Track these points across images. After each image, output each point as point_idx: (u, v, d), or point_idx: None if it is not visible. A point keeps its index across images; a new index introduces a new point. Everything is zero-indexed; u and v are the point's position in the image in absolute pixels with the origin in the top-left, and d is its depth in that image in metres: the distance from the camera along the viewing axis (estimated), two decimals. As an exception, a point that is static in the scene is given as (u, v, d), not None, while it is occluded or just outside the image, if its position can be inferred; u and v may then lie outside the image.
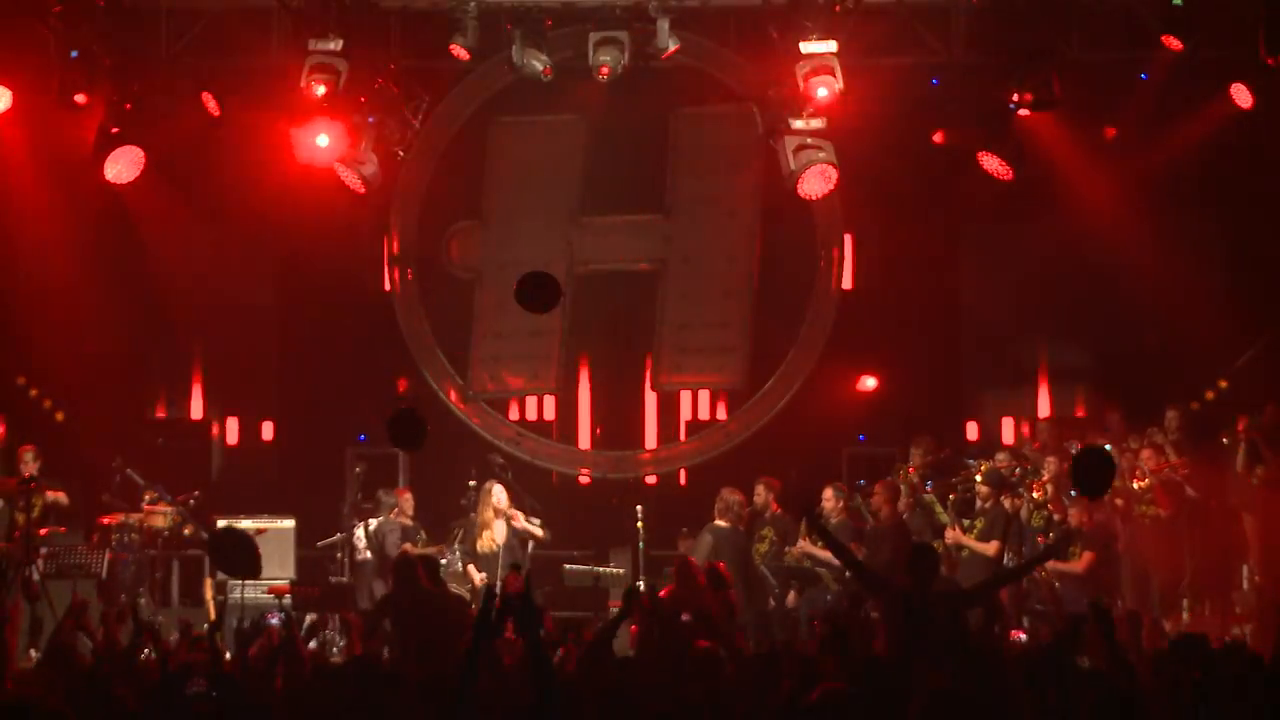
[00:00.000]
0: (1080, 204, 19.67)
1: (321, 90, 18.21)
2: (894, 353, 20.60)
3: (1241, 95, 18.54)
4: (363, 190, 19.20)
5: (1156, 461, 18.24)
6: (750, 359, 21.05)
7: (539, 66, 18.74)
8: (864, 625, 13.63)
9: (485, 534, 18.03)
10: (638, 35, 18.57)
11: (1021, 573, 16.22)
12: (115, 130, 18.60)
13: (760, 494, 18.33)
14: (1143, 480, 18.18)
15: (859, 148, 19.23)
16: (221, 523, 17.48)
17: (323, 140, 18.52)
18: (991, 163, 19.09)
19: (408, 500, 18.90)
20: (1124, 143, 19.48)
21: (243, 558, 14.38)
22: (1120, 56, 19.07)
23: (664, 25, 18.29)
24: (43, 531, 18.25)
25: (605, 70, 18.63)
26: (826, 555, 17.91)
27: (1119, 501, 18.27)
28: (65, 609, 14.14)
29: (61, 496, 18.44)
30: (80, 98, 18.24)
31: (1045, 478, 18.25)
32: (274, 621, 15.17)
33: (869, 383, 20.68)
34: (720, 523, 17.78)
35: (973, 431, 20.73)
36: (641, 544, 18.30)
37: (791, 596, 17.84)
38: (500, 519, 18.01)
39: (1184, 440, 18.57)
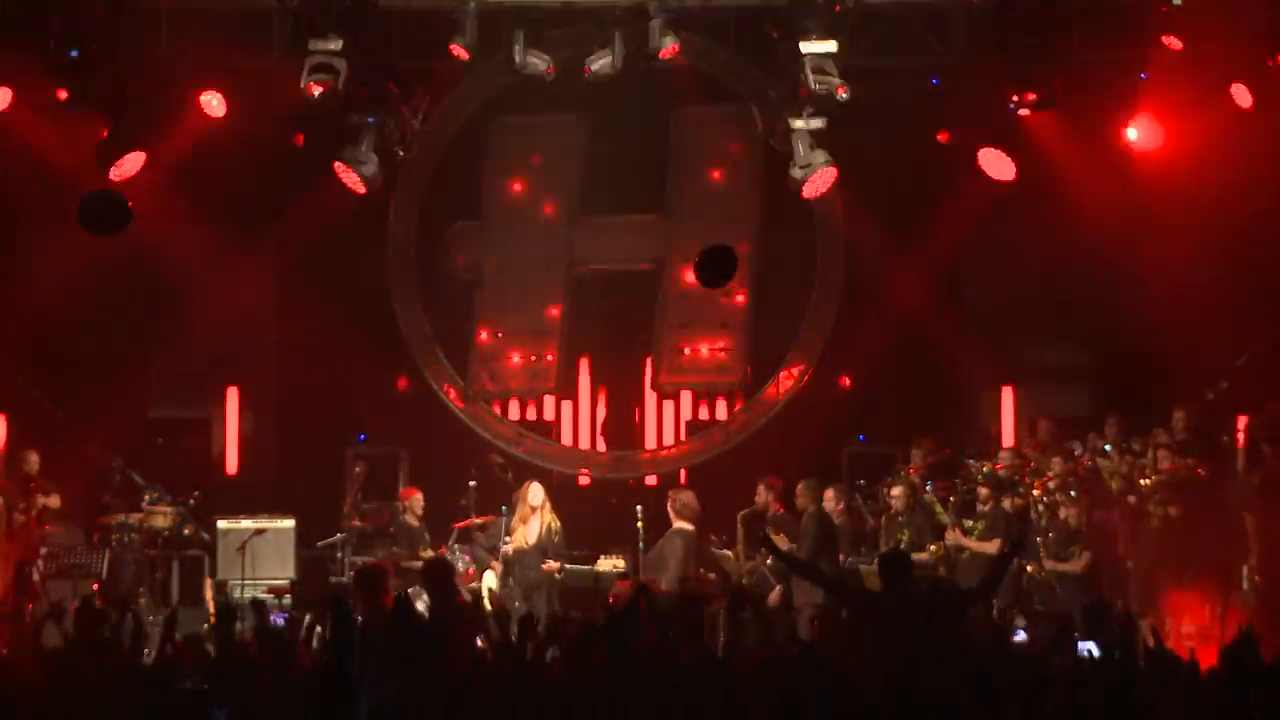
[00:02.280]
0: (1080, 204, 19.65)
1: (321, 90, 18.22)
2: (894, 352, 20.60)
3: (1242, 95, 18.53)
4: (363, 190, 19.19)
5: (1171, 461, 18.20)
6: (750, 359, 21.05)
7: (542, 66, 18.73)
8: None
9: (520, 530, 18.12)
10: (637, 35, 18.57)
11: (1001, 570, 15.96)
12: (114, 130, 18.62)
13: (761, 494, 18.37)
14: (1148, 479, 18.14)
15: (859, 148, 19.23)
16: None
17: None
18: (992, 163, 19.09)
19: (417, 500, 18.90)
20: (1123, 143, 19.46)
21: (112, 214, 13.90)
22: (1120, 56, 19.05)
23: (655, 25, 18.28)
24: (47, 528, 18.28)
25: (588, 70, 18.64)
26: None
27: (1130, 499, 18.25)
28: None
29: (54, 501, 18.41)
30: (75, 97, 18.28)
31: (1049, 475, 18.23)
32: (277, 621, 15.18)
33: (844, 382, 20.79)
34: (685, 525, 17.87)
35: (973, 431, 20.71)
36: (642, 544, 18.29)
37: (774, 595, 17.82)
38: (535, 515, 18.12)
39: (1191, 441, 18.54)
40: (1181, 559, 18.07)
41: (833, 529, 17.75)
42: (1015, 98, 18.74)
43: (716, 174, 21.09)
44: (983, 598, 12.62)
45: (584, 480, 20.96)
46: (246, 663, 10.39)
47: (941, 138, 19.48)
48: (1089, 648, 11.86)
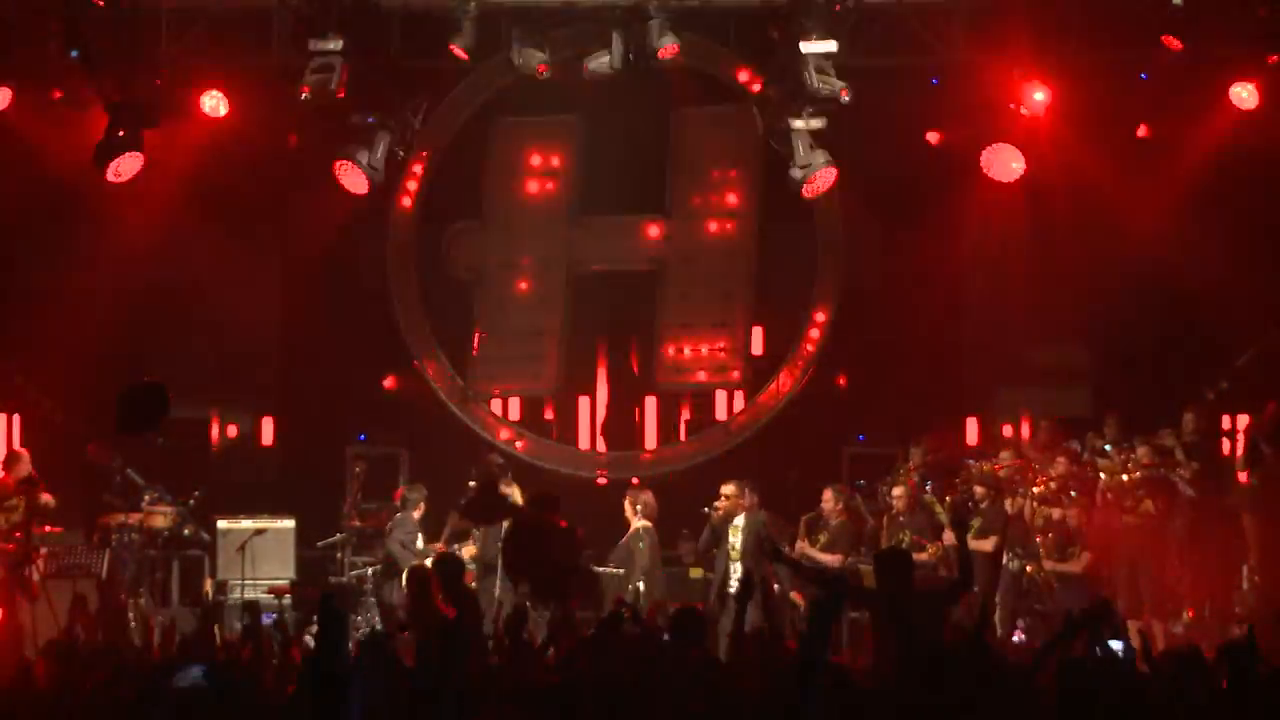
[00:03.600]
0: (1080, 204, 19.66)
1: (306, 94, 18.22)
2: (894, 352, 20.60)
3: (1241, 96, 18.55)
4: (363, 190, 19.18)
5: (1151, 459, 18.16)
6: (750, 359, 21.05)
7: (535, 64, 18.70)
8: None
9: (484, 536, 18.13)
10: (637, 35, 18.58)
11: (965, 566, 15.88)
12: (118, 131, 18.67)
13: (750, 495, 18.53)
14: (1133, 474, 18.09)
15: (859, 148, 19.23)
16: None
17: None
18: (991, 163, 19.10)
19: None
20: (1125, 143, 19.47)
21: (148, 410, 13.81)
22: (1120, 56, 19.06)
23: (655, 25, 18.29)
24: (47, 528, 18.28)
25: (587, 70, 18.65)
26: (826, 557, 17.99)
27: (1109, 497, 18.21)
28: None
29: (50, 499, 18.37)
30: (75, 97, 18.31)
31: (1053, 474, 18.22)
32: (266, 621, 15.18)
33: (841, 382, 20.81)
34: (647, 523, 17.95)
35: (973, 431, 20.71)
36: (642, 544, 18.29)
37: None
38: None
39: (1200, 442, 18.51)
40: (1161, 556, 18.03)
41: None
42: (1014, 98, 18.76)
43: (716, 174, 21.10)
44: (958, 593, 12.52)
45: (602, 481, 20.96)
46: (238, 663, 10.41)
47: (933, 138, 19.47)
48: (1118, 645, 11.84)
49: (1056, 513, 17.96)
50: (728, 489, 18.16)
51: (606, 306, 21.21)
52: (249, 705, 9.04)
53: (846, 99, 18.06)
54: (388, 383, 20.94)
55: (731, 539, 18.10)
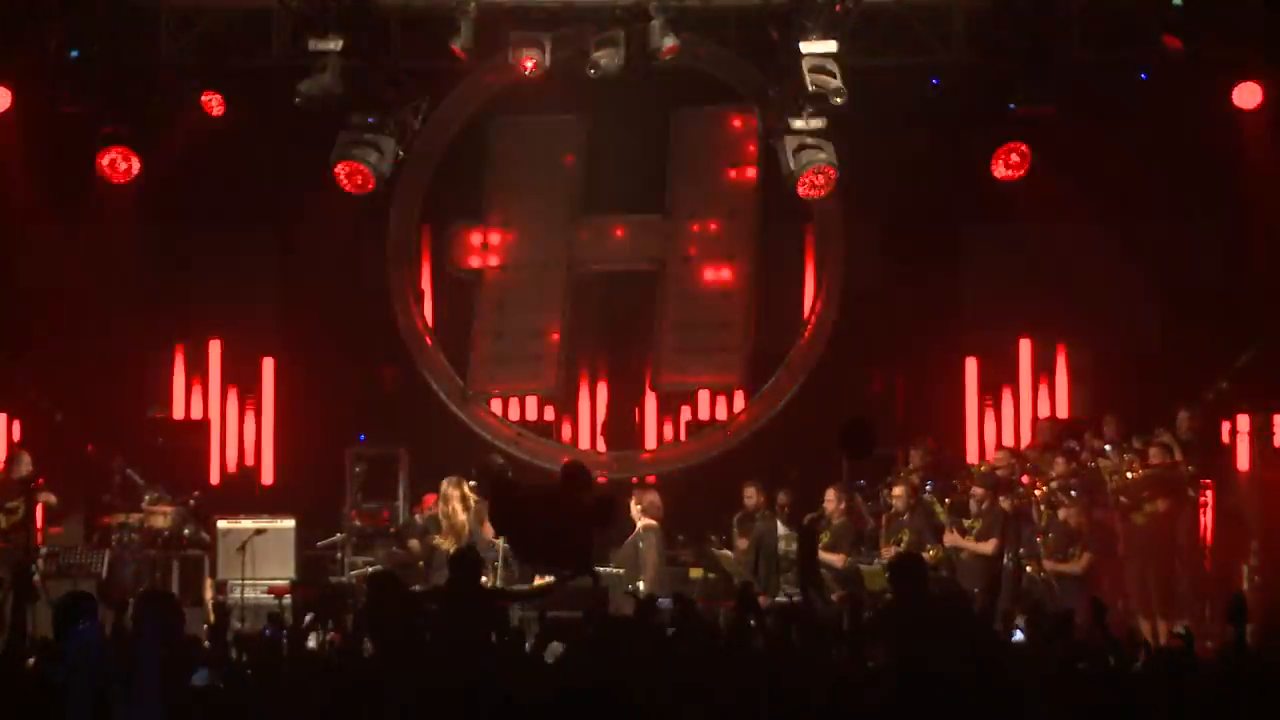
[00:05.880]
0: (1080, 203, 19.67)
1: (298, 100, 18.24)
2: (894, 353, 20.61)
3: (1243, 96, 18.57)
4: (364, 191, 19.16)
5: (1161, 458, 18.15)
6: (750, 359, 21.05)
7: (529, 62, 18.67)
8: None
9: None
10: (637, 35, 18.58)
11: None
12: (114, 131, 18.71)
13: (751, 495, 18.61)
14: (1139, 473, 18.06)
15: (859, 148, 19.24)
16: None
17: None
18: (992, 163, 19.12)
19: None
20: (1124, 143, 19.49)
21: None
22: (1120, 56, 19.08)
23: (655, 25, 18.29)
24: (51, 529, 18.29)
25: (594, 66, 18.65)
26: (828, 558, 17.98)
27: (1123, 499, 18.22)
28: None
29: (50, 498, 18.39)
30: (75, 97, 18.33)
31: (1052, 475, 18.22)
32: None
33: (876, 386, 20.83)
34: (653, 522, 17.98)
35: (973, 431, 20.72)
36: (641, 544, 18.29)
37: None
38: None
39: (1195, 441, 18.52)
40: (1170, 555, 18.02)
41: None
42: (1014, 98, 18.78)
43: (716, 174, 21.09)
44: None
45: (601, 480, 20.96)
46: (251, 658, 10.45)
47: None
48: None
49: (1060, 513, 17.96)
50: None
51: (606, 306, 21.22)
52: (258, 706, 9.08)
53: (840, 102, 18.07)
54: (388, 376, 20.91)
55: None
